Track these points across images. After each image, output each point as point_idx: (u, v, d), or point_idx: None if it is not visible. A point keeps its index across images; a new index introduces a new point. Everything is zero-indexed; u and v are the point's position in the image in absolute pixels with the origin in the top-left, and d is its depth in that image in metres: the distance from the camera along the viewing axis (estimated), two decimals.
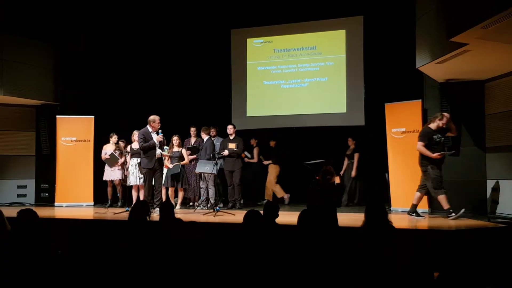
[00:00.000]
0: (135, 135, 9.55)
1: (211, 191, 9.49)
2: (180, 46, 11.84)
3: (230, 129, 9.57)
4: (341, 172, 10.10)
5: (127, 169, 9.50)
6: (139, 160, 9.30)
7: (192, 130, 9.98)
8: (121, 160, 9.86)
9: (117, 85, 11.44)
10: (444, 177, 8.66)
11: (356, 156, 9.97)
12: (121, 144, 10.13)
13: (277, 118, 11.32)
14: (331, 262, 3.53)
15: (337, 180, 9.85)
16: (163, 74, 11.98)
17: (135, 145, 9.44)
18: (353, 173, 9.93)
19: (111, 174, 9.97)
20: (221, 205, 9.21)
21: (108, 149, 10.00)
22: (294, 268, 3.52)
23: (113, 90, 11.37)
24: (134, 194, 9.65)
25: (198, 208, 9.44)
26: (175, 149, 9.38)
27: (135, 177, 9.44)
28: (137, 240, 4.27)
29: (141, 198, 9.19)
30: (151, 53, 11.75)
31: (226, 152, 9.38)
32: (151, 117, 8.38)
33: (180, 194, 9.49)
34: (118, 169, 9.94)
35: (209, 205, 9.37)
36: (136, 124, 9.32)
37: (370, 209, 4.09)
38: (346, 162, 10.14)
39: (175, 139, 9.42)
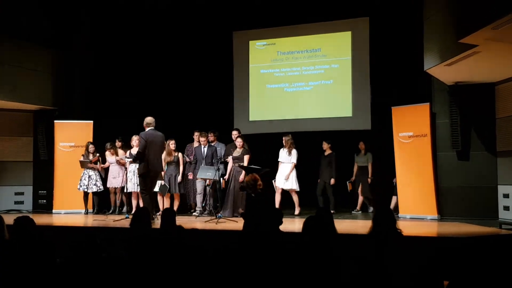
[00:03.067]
0: (134, 140, 9.57)
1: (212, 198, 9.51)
2: (180, 49, 11.85)
3: (234, 135, 9.57)
4: (352, 178, 10.04)
5: (126, 175, 9.52)
6: (137, 166, 9.34)
7: (196, 135, 9.87)
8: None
9: (116, 89, 11.45)
10: (453, 182, 8.66)
11: (369, 157, 9.87)
12: (118, 144, 10.12)
13: (280, 123, 11.32)
14: (333, 270, 3.52)
15: (349, 187, 9.86)
16: (163, 78, 11.98)
17: (134, 151, 9.47)
18: (369, 180, 9.81)
19: (113, 181, 9.99)
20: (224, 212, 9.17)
21: (110, 159, 10.03)
22: (295, 277, 3.50)
23: (113, 94, 11.39)
24: (134, 202, 9.65)
25: (195, 213, 9.37)
26: (173, 154, 9.37)
27: (133, 184, 9.45)
28: (138, 248, 4.27)
29: (141, 205, 9.19)
30: (151, 56, 11.77)
31: (229, 160, 9.38)
32: (149, 119, 8.30)
33: (177, 199, 9.50)
34: (119, 177, 9.94)
35: (206, 212, 9.33)
36: (136, 129, 9.33)
37: (378, 216, 4.07)
38: (356, 167, 10.05)
39: (172, 144, 9.40)
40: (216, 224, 7.87)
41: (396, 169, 9.18)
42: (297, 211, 9.33)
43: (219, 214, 8.48)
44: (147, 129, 8.21)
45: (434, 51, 7.50)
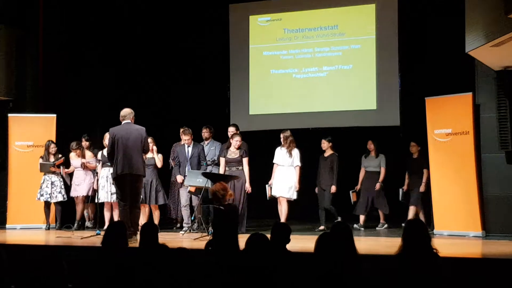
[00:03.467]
0: (107, 138, 9.58)
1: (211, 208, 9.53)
2: (164, 25, 11.87)
3: (230, 132, 9.59)
4: (357, 187, 10.01)
5: (97, 182, 9.51)
6: (111, 170, 9.35)
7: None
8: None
9: (85, 75, 11.46)
10: (502, 190, 8.64)
11: (382, 160, 9.83)
12: (86, 144, 10.13)
13: (287, 117, 11.31)
14: None
15: (353, 197, 9.85)
16: (143, 61, 12.01)
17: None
18: (378, 186, 9.80)
19: (78, 189, 9.98)
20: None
21: (75, 162, 10.03)
22: None
23: (80, 81, 11.39)
24: (107, 214, 9.65)
25: (181, 231, 9.36)
26: (149, 155, 9.38)
27: (106, 192, 9.45)
28: (111, 272, 4.27)
29: (116, 218, 9.22)
30: (128, 34, 11.79)
31: (221, 162, 9.39)
32: (124, 111, 8.21)
33: (156, 212, 9.51)
34: (84, 183, 9.94)
35: (195, 227, 9.35)
36: (108, 124, 9.34)
37: (408, 232, 4.07)
38: (363, 173, 10.01)
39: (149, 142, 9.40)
40: None
41: (431, 174, 9.17)
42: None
43: (212, 230, 8.47)
44: (122, 124, 8.22)
45: (478, 29, 7.49)
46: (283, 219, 9.26)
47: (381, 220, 9.97)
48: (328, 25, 11.26)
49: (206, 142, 9.96)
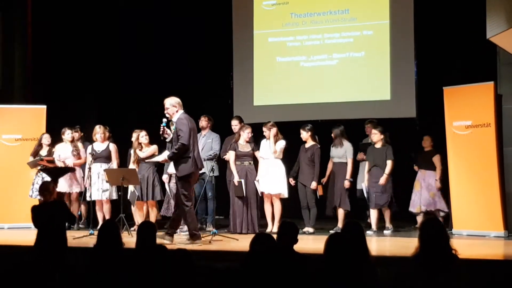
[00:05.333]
0: (98, 131, 9.57)
1: (211, 206, 9.54)
2: (161, 6, 11.84)
3: (235, 125, 9.67)
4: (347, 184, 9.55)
5: (90, 178, 9.50)
6: (103, 166, 9.42)
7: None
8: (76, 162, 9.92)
9: (78, 63, 11.46)
10: None
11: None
12: (76, 135, 10.11)
13: (294, 108, 11.30)
14: None
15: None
16: (138, 47, 12.02)
17: (98, 146, 9.53)
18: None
19: (66, 185, 9.94)
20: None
21: (61, 151, 9.98)
22: None
23: (72, 70, 11.39)
24: (99, 213, 9.65)
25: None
26: (144, 149, 9.40)
27: (97, 190, 9.45)
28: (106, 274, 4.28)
29: (107, 216, 9.34)
30: (123, 18, 11.80)
31: (228, 157, 9.38)
32: (175, 99, 7.86)
33: (154, 210, 9.52)
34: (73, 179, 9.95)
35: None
36: (103, 116, 9.37)
37: (425, 231, 4.06)
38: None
39: (143, 136, 9.40)
40: (210, 243, 7.88)
41: (449, 170, 9.15)
42: (274, 227, 9.07)
43: (214, 230, 8.48)
44: (179, 112, 7.81)
45: (500, 13, 7.47)
46: (277, 218, 9.22)
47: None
48: (339, 9, 11.22)
49: (203, 133, 9.81)
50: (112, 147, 9.74)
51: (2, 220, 10.36)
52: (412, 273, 3.98)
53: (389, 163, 9.10)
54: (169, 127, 7.87)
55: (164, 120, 7.77)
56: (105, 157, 9.60)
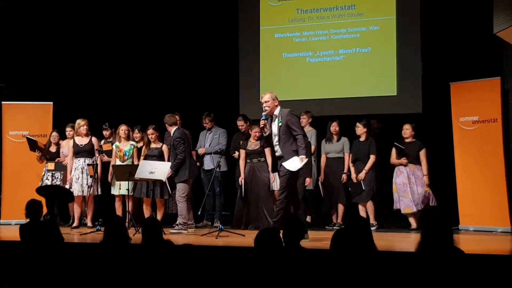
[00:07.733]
0: (82, 124, 9.55)
1: (218, 202, 9.58)
2: (168, 7, 11.86)
3: (240, 125, 9.75)
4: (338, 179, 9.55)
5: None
6: (87, 160, 9.45)
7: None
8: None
9: (84, 60, 11.48)
10: None
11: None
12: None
13: (300, 104, 11.25)
14: None
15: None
16: (144, 44, 12.04)
17: (80, 140, 9.54)
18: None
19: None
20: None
21: (65, 148, 10.00)
22: None
23: (79, 66, 11.41)
24: (77, 210, 9.64)
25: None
26: (152, 145, 9.41)
27: (79, 185, 9.47)
28: (112, 270, 4.30)
29: (90, 213, 9.50)
30: (129, 15, 11.81)
31: (237, 155, 9.44)
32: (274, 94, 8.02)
33: (161, 209, 9.47)
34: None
35: (201, 223, 9.38)
36: (108, 112, 9.38)
37: (430, 228, 4.07)
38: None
39: (150, 133, 9.35)
40: (216, 238, 7.91)
41: (456, 165, 9.14)
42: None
43: (220, 226, 8.50)
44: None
45: (507, 8, 7.45)
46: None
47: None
48: (345, 5, 11.19)
49: (209, 130, 10.04)
50: (94, 140, 9.69)
51: (9, 216, 10.38)
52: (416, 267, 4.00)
53: (372, 157, 9.16)
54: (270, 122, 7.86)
55: (264, 114, 7.75)
56: (88, 151, 9.57)
